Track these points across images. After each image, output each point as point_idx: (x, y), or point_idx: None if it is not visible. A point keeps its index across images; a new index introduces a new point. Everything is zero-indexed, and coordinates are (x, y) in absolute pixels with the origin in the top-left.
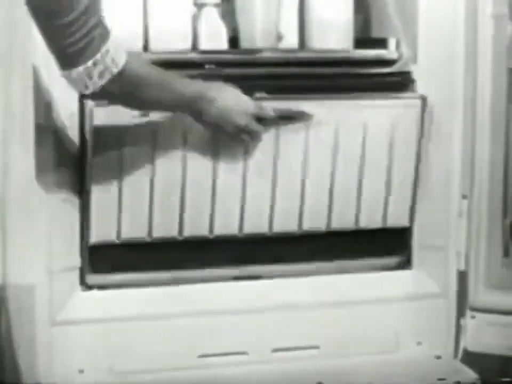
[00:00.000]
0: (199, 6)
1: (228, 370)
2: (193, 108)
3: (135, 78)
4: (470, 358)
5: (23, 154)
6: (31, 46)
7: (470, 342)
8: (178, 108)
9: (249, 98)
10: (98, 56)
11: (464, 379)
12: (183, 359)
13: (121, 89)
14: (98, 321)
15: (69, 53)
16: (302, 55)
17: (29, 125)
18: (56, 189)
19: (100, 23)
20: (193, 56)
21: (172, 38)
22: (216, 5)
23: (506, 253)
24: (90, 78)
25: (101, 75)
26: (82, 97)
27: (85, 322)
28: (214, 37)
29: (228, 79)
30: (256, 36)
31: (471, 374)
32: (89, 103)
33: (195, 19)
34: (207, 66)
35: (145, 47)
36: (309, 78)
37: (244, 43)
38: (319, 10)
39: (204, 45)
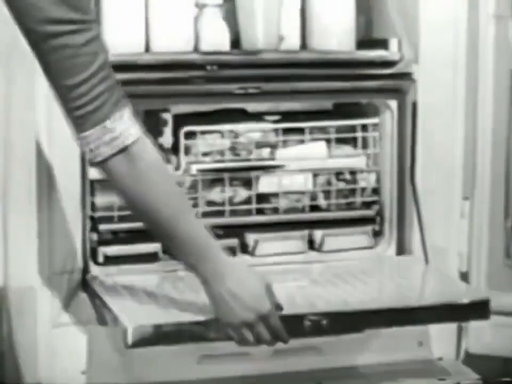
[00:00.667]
0: (201, 7)
1: (228, 370)
2: (191, 265)
3: (143, 162)
4: (472, 360)
5: (23, 156)
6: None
7: (472, 343)
8: (167, 239)
9: (268, 295)
10: (108, 122)
11: (465, 380)
12: (184, 359)
13: (126, 170)
14: (99, 322)
15: (78, 116)
16: (304, 56)
17: (29, 126)
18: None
19: (115, 89)
20: (195, 57)
21: (174, 39)
22: (217, 6)
23: (508, 254)
24: (98, 146)
25: (109, 143)
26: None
27: (86, 323)
28: (216, 38)
29: (230, 80)
30: (257, 37)
31: (472, 375)
32: None
33: (197, 20)
34: (208, 67)
35: (147, 48)
36: (310, 79)
37: (246, 44)
38: (320, 11)
39: (206, 46)
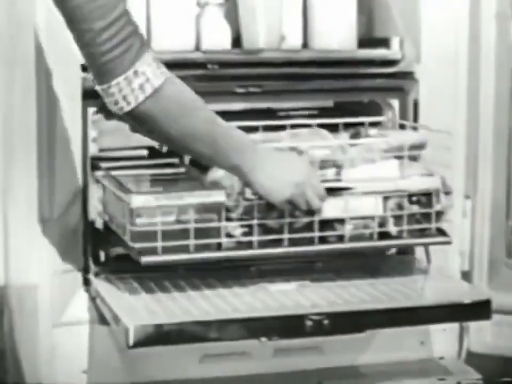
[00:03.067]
0: (202, 6)
1: (230, 369)
2: (232, 166)
3: (173, 100)
4: (473, 359)
5: (24, 153)
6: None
7: (473, 342)
8: (215, 159)
9: (302, 163)
10: (137, 65)
11: (467, 379)
12: (185, 359)
13: (159, 110)
14: (100, 322)
15: (105, 61)
16: (305, 55)
17: (31, 123)
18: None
19: (137, 33)
20: (196, 56)
21: (175, 37)
22: (219, 5)
23: (509, 254)
24: (132, 90)
25: (141, 87)
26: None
27: (87, 323)
28: (217, 37)
29: (231, 79)
30: (259, 36)
31: (474, 375)
32: None
33: (198, 19)
34: (210, 66)
35: (148, 47)
36: (312, 78)
37: (247, 43)
38: (322, 10)
39: (207, 44)
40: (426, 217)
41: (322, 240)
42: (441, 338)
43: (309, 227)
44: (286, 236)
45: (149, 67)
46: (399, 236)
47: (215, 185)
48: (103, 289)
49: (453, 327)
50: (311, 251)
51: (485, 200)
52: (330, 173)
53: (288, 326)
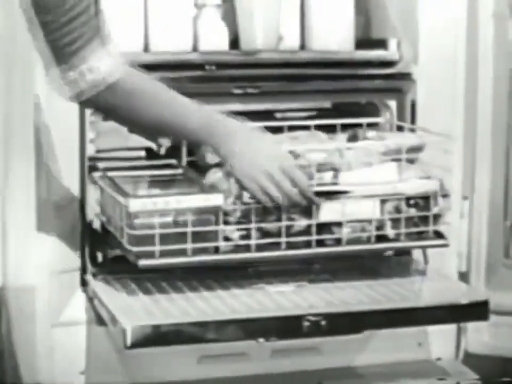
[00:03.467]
0: (200, 7)
1: (228, 370)
2: (201, 142)
3: (130, 90)
4: (471, 359)
5: (22, 154)
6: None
7: (471, 343)
8: (180, 137)
9: (281, 153)
10: (93, 61)
11: (465, 380)
12: (183, 359)
13: (115, 100)
14: (98, 322)
15: (65, 52)
16: (303, 56)
17: (29, 124)
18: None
19: (100, 28)
20: (194, 57)
21: (173, 38)
22: (216, 6)
23: (507, 254)
24: (85, 82)
25: (93, 82)
26: None
27: (85, 323)
28: (215, 38)
29: (229, 80)
30: (256, 37)
31: (472, 375)
32: None
33: (196, 20)
34: (207, 67)
35: (146, 48)
36: (309, 79)
37: (245, 44)
38: (319, 11)
39: (205, 45)
40: (424, 220)
41: (320, 243)
42: (439, 339)
43: (306, 231)
44: (283, 239)
45: (103, 63)
46: (396, 238)
47: (213, 188)
48: (101, 290)
49: (451, 328)
50: (309, 254)
51: (482, 201)
52: (327, 176)
53: (286, 327)
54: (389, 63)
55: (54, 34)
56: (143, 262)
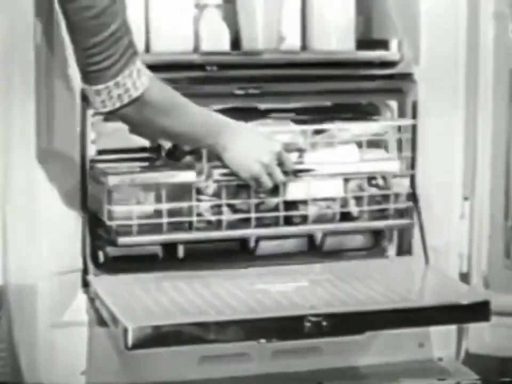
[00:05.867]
0: (201, 7)
1: (229, 371)
2: (207, 146)
3: (154, 105)
4: (472, 360)
5: (23, 154)
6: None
7: (472, 343)
8: (192, 143)
9: (271, 142)
10: (119, 78)
11: (465, 380)
12: (184, 360)
13: (138, 114)
14: (99, 323)
15: (92, 70)
16: (304, 56)
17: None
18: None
19: (129, 46)
20: (195, 57)
21: (173, 39)
22: (217, 6)
23: (508, 255)
24: (110, 97)
25: (119, 97)
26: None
27: (86, 324)
28: (216, 39)
29: (230, 80)
30: (258, 37)
31: (472, 376)
32: None
33: (197, 20)
34: (208, 68)
35: (147, 49)
36: (311, 80)
37: (246, 44)
38: (321, 12)
39: (206, 46)
40: (386, 199)
41: (288, 222)
42: (440, 340)
43: (274, 210)
44: (253, 215)
45: (130, 79)
46: (360, 216)
47: (188, 166)
48: (102, 290)
49: (451, 328)
50: (277, 232)
51: (483, 202)
52: (293, 156)
53: (287, 328)
54: (390, 64)
55: (86, 52)
56: (121, 239)
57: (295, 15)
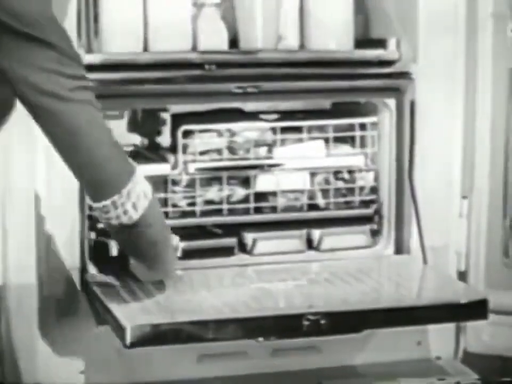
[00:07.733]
0: (199, 6)
1: (228, 369)
2: None
3: (147, 230)
4: (470, 359)
5: (23, 155)
6: None
7: (470, 342)
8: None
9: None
10: (115, 198)
11: (464, 379)
12: (183, 359)
13: (131, 236)
14: (98, 322)
15: (90, 187)
16: (302, 55)
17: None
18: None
19: (123, 162)
20: (193, 56)
21: (172, 38)
22: (216, 5)
23: (506, 253)
24: (107, 217)
25: (115, 218)
26: None
27: (85, 323)
28: (214, 37)
29: (228, 79)
30: (256, 37)
31: (471, 374)
32: None
33: (195, 19)
34: (207, 66)
35: (145, 47)
36: (308, 79)
37: (244, 43)
38: (319, 11)
39: (204, 45)
40: (351, 192)
41: (258, 210)
42: (438, 338)
43: (245, 200)
44: (225, 206)
45: (128, 200)
46: (326, 207)
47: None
48: (101, 290)
49: (450, 327)
50: (248, 221)
51: (481, 201)
52: (262, 151)
53: (285, 326)
54: (388, 62)
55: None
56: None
57: (293, 14)
